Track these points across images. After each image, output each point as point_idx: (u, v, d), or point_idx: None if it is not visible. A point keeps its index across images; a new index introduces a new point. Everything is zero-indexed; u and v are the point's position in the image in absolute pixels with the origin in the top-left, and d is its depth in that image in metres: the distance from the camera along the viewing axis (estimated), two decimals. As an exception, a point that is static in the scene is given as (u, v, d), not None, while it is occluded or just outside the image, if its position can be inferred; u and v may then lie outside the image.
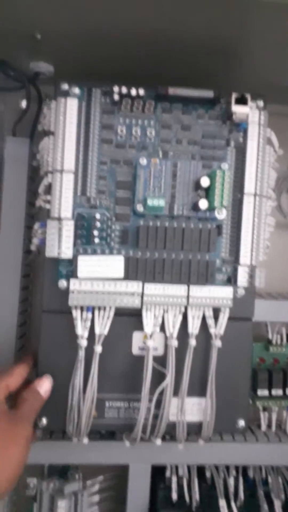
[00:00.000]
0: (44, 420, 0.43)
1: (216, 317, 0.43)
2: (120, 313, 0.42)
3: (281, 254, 0.59)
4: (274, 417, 0.54)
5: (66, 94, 0.39)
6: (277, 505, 0.51)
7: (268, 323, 0.53)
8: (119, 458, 0.49)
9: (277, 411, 0.54)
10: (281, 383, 0.53)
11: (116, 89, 0.39)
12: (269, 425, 0.54)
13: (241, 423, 0.45)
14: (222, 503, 0.50)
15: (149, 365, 0.41)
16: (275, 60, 0.44)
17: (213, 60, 0.43)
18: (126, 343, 0.43)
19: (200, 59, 0.43)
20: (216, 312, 0.43)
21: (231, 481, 0.52)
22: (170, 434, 0.45)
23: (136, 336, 0.44)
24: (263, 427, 0.54)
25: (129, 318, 0.43)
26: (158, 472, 0.53)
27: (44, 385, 0.41)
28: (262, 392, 0.53)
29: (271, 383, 0.53)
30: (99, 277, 0.40)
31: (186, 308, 0.43)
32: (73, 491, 0.49)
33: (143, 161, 0.40)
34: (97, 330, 0.41)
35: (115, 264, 0.40)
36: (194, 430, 0.45)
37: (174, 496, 0.51)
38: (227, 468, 0.53)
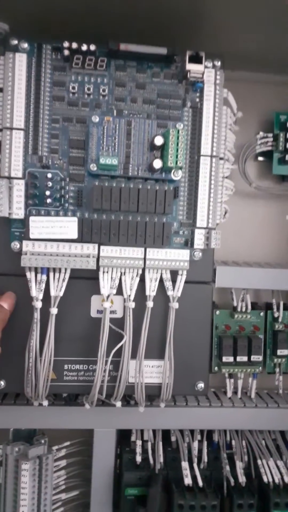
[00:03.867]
0: (2, 383, 0.43)
1: (174, 281, 0.43)
2: (78, 276, 0.42)
3: (247, 223, 0.59)
4: (240, 383, 0.55)
5: (15, 49, 0.38)
6: (239, 466, 0.52)
7: (233, 290, 0.54)
8: (83, 423, 0.50)
9: (242, 378, 0.54)
10: (246, 350, 0.53)
11: (66, 44, 0.38)
12: (235, 392, 0.55)
13: (201, 385, 0.46)
14: (185, 464, 0.51)
15: (106, 326, 0.42)
16: (237, 24, 0.43)
17: (174, 22, 0.42)
18: (85, 306, 0.43)
19: (160, 20, 0.42)
20: (174, 275, 0.43)
21: (195, 445, 0.53)
22: (131, 397, 0.45)
23: (95, 299, 0.44)
24: (229, 393, 0.54)
25: (87, 281, 0.43)
26: (124, 437, 0.54)
27: (7, 300, 0.41)
28: (227, 358, 0.53)
29: (236, 350, 0.53)
30: (53, 239, 0.40)
31: (143, 271, 0.42)
32: (38, 455, 0.50)
33: (96, 119, 0.39)
34: (52, 292, 0.41)
35: (68, 226, 0.40)
36: (155, 393, 0.45)
37: (138, 459, 0.51)
38: (192, 432, 0.54)
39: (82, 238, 0.40)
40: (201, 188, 0.42)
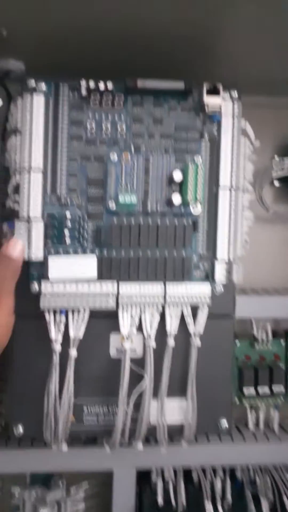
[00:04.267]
0: (20, 428, 0.41)
1: (194, 315, 0.42)
2: (96, 314, 0.41)
3: (265, 248, 0.58)
4: (261, 416, 0.53)
5: (32, 90, 0.38)
6: (265, 505, 0.50)
7: (253, 319, 0.52)
8: (102, 464, 0.48)
9: (264, 410, 0.53)
10: (268, 381, 0.52)
11: (83, 83, 0.37)
12: (257, 424, 0.53)
13: (224, 423, 0.44)
14: (208, 506, 0.49)
15: (126, 367, 0.40)
16: (250, 50, 0.43)
17: (186, 52, 0.42)
18: (103, 345, 0.42)
19: (172, 50, 0.42)
20: (195, 310, 0.42)
21: (218, 483, 0.51)
22: (152, 437, 0.44)
23: (114, 338, 0.42)
24: (251, 426, 0.53)
25: (105, 320, 0.41)
26: (144, 477, 0.52)
27: (16, 248, 0.37)
28: (249, 390, 0.52)
29: (257, 381, 0.52)
30: (72, 278, 0.39)
31: (163, 307, 0.41)
32: (56, 499, 0.48)
33: (114, 156, 0.38)
34: (72, 334, 0.40)
35: (88, 264, 0.39)
36: (177, 432, 0.44)
37: (160, 500, 0.49)
38: (214, 470, 0.52)
39: (102, 276, 0.39)
40: (221, 221, 0.41)
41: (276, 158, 0.53)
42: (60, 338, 0.40)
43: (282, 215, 0.54)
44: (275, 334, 0.54)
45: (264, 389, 0.52)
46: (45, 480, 0.50)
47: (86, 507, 0.51)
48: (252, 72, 0.47)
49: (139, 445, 0.43)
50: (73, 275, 0.39)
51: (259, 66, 0.47)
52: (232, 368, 0.50)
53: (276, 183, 0.55)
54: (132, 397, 0.40)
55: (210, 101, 0.39)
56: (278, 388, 0.52)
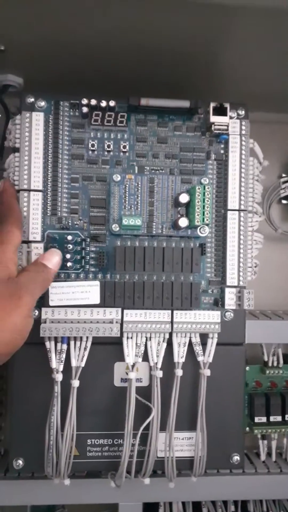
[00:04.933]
0: (20, 461, 0.39)
1: (204, 344, 0.40)
2: (99, 341, 0.39)
3: (273, 269, 0.55)
4: (273, 445, 0.50)
5: (31, 107, 0.37)
6: None
7: (263, 344, 0.50)
8: (106, 497, 0.45)
9: (276, 439, 0.50)
10: (280, 408, 0.49)
11: (84, 101, 0.36)
12: (269, 454, 0.51)
13: (236, 458, 0.41)
14: None
15: (132, 400, 0.38)
16: (254, 65, 0.41)
17: (190, 68, 0.41)
18: (107, 374, 0.40)
19: (177, 68, 0.41)
20: (204, 338, 0.40)
21: (229, 518, 0.48)
22: (160, 470, 0.41)
23: (118, 367, 0.40)
24: (262, 456, 0.50)
25: (109, 347, 0.40)
26: (150, 509, 0.49)
27: (51, 258, 0.36)
28: (260, 419, 0.49)
29: (268, 408, 0.49)
30: (74, 305, 0.37)
31: (170, 335, 0.39)
32: (58, 535, 0.45)
33: (117, 177, 0.37)
34: (74, 363, 0.38)
35: (90, 290, 0.37)
36: (186, 466, 0.41)
37: (168, 536, 0.47)
38: (225, 503, 0.49)
39: (105, 302, 0.37)
40: (230, 244, 0.39)
41: (284, 176, 0.51)
42: (61, 367, 0.38)
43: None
44: (286, 360, 0.51)
45: (276, 418, 0.49)
46: (46, 514, 0.48)
47: None
48: (257, 88, 0.46)
49: (147, 481, 0.40)
50: (75, 301, 0.37)
51: (263, 82, 0.45)
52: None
53: (284, 202, 0.53)
54: (139, 432, 0.38)
55: (217, 120, 0.38)
56: (291, 416, 0.49)
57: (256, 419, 0.49)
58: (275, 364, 0.50)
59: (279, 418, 0.49)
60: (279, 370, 0.50)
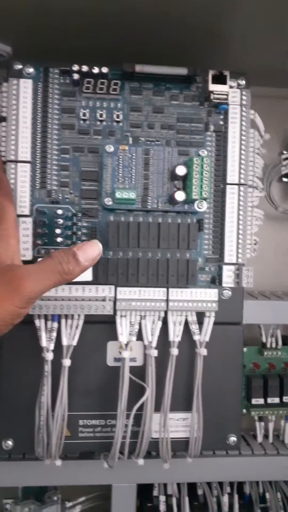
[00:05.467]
0: (10, 442, 0.38)
1: (200, 323, 0.39)
2: (92, 320, 0.37)
3: (273, 248, 0.54)
4: (271, 427, 0.50)
5: (19, 74, 0.35)
6: (276, 524, 0.46)
7: (262, 325, 0.49)
8: (99, 478, 0.45)
9: (274, 421, 0.49)
10: (278, 390, 0.48)
11: (75, 67, 0.34)
12: (266, 436, 0.50)
13: (233, 439, 0.41)
14: (215, 524, 0.45)
15: (125, 379, 0.37)
16: (257, 37, 0.39)
17: (190, 38, 0.39)
18: (100, 354, 0.39)
19: (177, 37, 0.38)
20: (200, 316, 0.39)
21: (225, 499, 0.48)
22: (154, 451, 0.41)
23: (111, 346, 0.39)
24: (259, 438, 0.49)
25: (102, 326, 0.38)
26: (145, 490, 0.49)
27: (88, 251, 0.31)
28: (257, 400, 0.48)
29: (266, 390, 0.48)
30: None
31: (166, 314, 0.38)
32: (51, 516, 0.45)
33: (110, 148, 0.35)
34: (65, 342, 0.37)
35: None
36: (181, 447, 0.40)
37: (162, 517, 0.46)
38: (221, 484, 0.49)
39: (97, 279, 0.36)
40: (228, 220, 0.38)
41: (285, 153, 0.49)
42: (51, 346, 0.36)
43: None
44: (285, 341, 0.50)
45: (273, 400, 0.48)
46: (38, 494, 0.47)
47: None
48: (260, 62, 0.43)
49: (140, 461, 0.39)
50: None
51: (266, 55, 0.43)
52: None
53: (285, 179, 0.52)
54: (132, 412, 0.37)
55: (216, 88, 0.36)
56: (289, 398, 0.48)
57: (253, 401, 0.48)
58: (273, 345, 0.49)
59: (276, 400, 0.48)
60: (278, 351, 0.49)
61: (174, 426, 0.40)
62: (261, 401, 0.48)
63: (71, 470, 0.44)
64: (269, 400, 0.48)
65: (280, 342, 0.49)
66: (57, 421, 0.37)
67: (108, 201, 0.35)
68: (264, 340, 0.49)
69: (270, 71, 0.46)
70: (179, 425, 0.40)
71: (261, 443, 0.49)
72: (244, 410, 0.48)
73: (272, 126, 0.51)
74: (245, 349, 0.49)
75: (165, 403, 0.38)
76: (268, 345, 0.49)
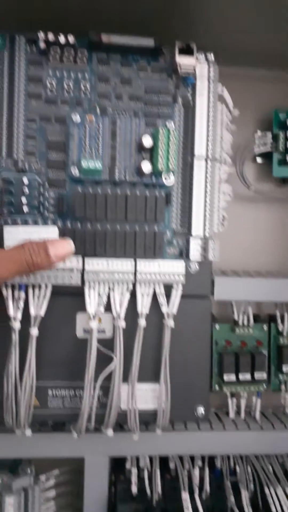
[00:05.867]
0: None
1: (168, 295, 0.39)
2: (61, 292, 0.38)
3: (246, 228, 0.55)
4: (243, 403, 0.50)
5: (-15, 43, 0.35)
6: (245, 496, 0.47)
7: (233, 302, 0.49)
8: (71, 450, 0.45)
9: (246, 397, 0.50)
10: (249, 367, 0.49)
11: (41, 35, 0.34)
12: (238, 412, 0.51)
13: (201, 410, 0.41)
14: (185, 495, 0.46)
15: (93, 348, 0.37)
16: (229, 15, 0.39)
17: (159, 11, 0.39)
18: (69, 325, 0.39)
19: (147, 11, 0.38)
20: (169, 289, 0.39)
21: (196, 472, 0.49)
22: (124, 423, 0.41)
23: (81, 318, 0.39)
24: (232, 414, 0.50)
25: (71, 298, 0.39)
26: (119, 465, 0.50)
27: (60, 248, 0.32)
28: (229, 377, 0.49)
29: (238, 367, 0.49)
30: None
31: (134, 286, 0.38)
32: (23, 487, 0.45)
33: (76, 117, 0.35)
34: (32, 311, 0.37)
35: (48, 236, 0.36)
36: (150, 420, 0.41)
37: (134, 489, 0.47)
38: (192, 459, 0.50)
39: (65, 250, 0.36)
40: (196, 194, 0.38)
41: (259, 132, 0.49)
42: (19, 315, 0.37)
43: (265, 193, 0.51)
44: (257, 319, 0.51)
45: (245, 376, 0.49)
46: (12, 467, 0.48)
47: (57, 495, 0.49)
48: (235, 41, 0.44)
49: (109, 432, 0.40)
50: (32, 248, 0.35)
51: (242, 35, 0.43)
52: (212, 354, 0.47)
53: (259, 160, 0.52)
54: (99, 380, 0.37)
55: (183, 61, 0.36)
56: (260, 375, 0.49)
57: (225, 377, 0.49)
58: (245, 323, 0.50)
59: (248, 377, 0.49)
60: (249, 329, 0.50)
61: (143, 397, 0.41)
62: (233, 377, 0.49)
63: (43, 443, 0.44)
64: (241, 377, 0.49)
65: (251, 320, 0.50)
66: (25, 390, 0.37)
67: (74, 171, 0.36)
68: (236, 317, 0.50)
69: (247, 51, 0.47)
70: (148, 396, 0.41)
71: (233, 420, 0.50)
72: (217, 387, 0.49)
73: (248, 107, 0.52)
74: (217, 327, 0.50)
75: (132, 374, 0.39)
76: (240, 323, 0.50)
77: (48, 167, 0.37)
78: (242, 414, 0.50)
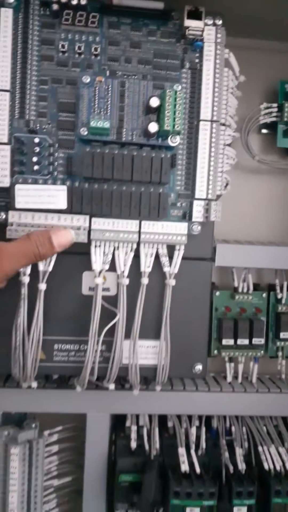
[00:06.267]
0: None
1: (171, 257, 0.41)
2: (69, 251, 0.39)
3: (250, 198, 0.56)
4: (240, 368, 0.52)
5: (0, 3, 0.36)
6: (239, 452, 0.49)
7: (234, 270, 0.51)
8: (75, 407, 0.47)
9: (243, 362, 0.52)
10: (247, 332, 0.51)
11: (54, -3, 0.35)
12: (235, 377, 0.53)
13: (198, 367, 0.43)
14: (182, 451, 0.48)
15: (98, 303, 0.39)
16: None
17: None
18: (76, 282, 0.41)
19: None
20: (171, 250, 0.41)
21: (193, 431, 0.51)
22: (126, 380, 0.43)
23: (86, 276, 0.41)
24: (229, 378, 0.52)
25: (78, 257, 0.40)
26: (120, 423, 0.52)
27: (62, 237, 0.35)
28: (228, 341, 0.51)
29: (236, 332, 0.51)
30: (41, 209, 0.37)
31: (138, 245, 0.40)
32: (28, 439, 0.48)
33: (86, 79, 0.36)
34: (41, 267, 0.39)
35: (57, 195, 0.37)
36: (150, 375, 0.43)
37: (133, 444, 0.49)
38: (190, 418, 0.52)
39: (72, 208, 0.38)
40: (201, 156, 0.39)
41: (265, 104, 0.50)
42: (28, 270, 0.38)
43: (269, 164, 0.52)
44: (256, 287, 0.52)
45: (243, 341, 0.51)
46: (18, 422, 0.50)
47: (59, 450, 0.51)
48: (245, 12, 0.44)
49: (111, 386, 0.42)
50: (41, 205, 0.37)
51: (251, 5, 0.43)
52: (211, 318, 0.49)
53: (264, 130, 0.53)
54: (102, 333, 0.39)
55: (192, 24, 0.37)
56: (258, 341, 0.51)
57: (224, 342, 0.50)
58: (245, 290, 0.51)
59: (246, 342, 0.50)
60: (249, 296, 0.51)
61: (144, 353, 0.42)
62: (231, 342, 0.50)
63: (48, 398, 0.46)
64: (239, 342, 0.50)
65: (251, 287, 0.51)
66: (32, 343, 0.39)
67: (83, 131, 0.37)
68: (236, 284, 0.51)
69: (257, 22, 0.47)
70: (148, 352, 0.42)
71: (230, 383, 0.52)
72: (216, 351, 0.51)
73: (256, 78, 0.52)
74: (217, 293, 0.51)
75: (134, 330, 0.40)
76: (240, 290, 0.51)
77: (58, 128, 0.38)
78: (239, 379, 0.52)
